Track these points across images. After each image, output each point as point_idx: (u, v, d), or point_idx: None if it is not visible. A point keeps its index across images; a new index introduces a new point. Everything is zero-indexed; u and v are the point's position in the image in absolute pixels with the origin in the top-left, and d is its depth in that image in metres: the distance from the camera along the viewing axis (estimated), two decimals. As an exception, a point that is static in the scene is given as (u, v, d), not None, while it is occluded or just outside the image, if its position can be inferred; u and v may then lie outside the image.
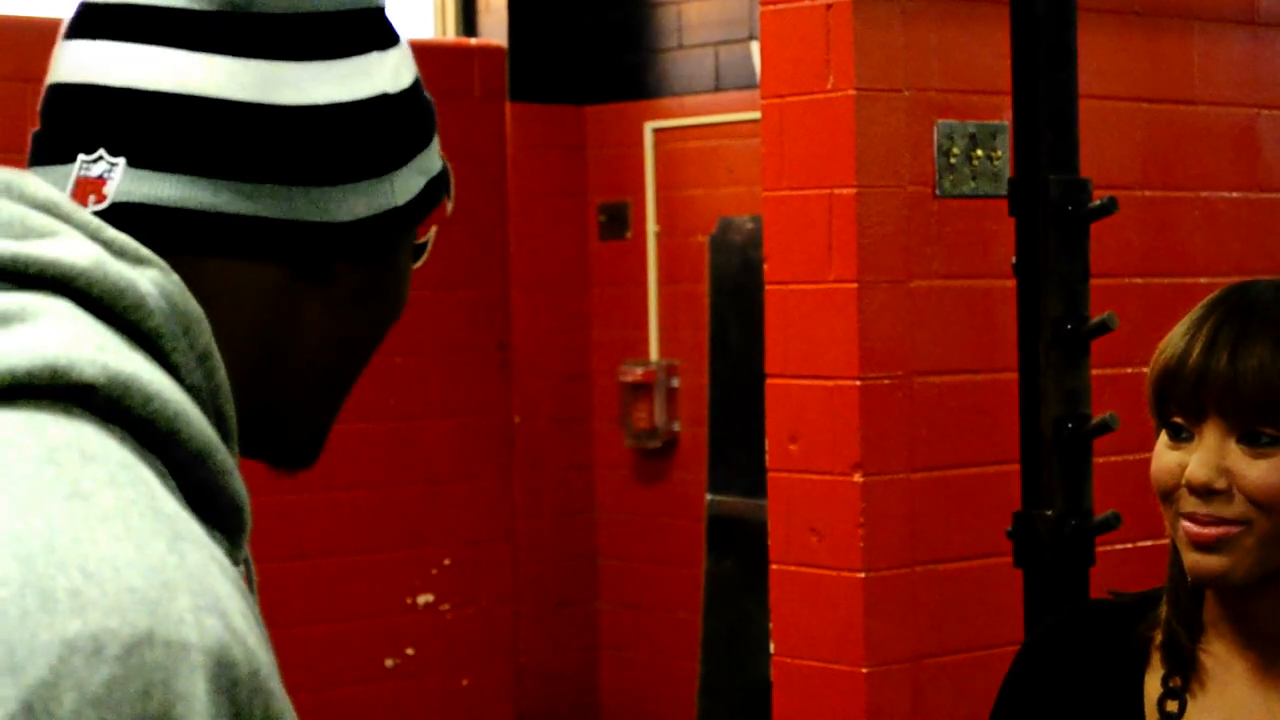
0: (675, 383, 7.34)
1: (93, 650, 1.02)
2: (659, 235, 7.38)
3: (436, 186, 1.40)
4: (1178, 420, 2.07)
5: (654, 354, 7.39)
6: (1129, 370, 3.98)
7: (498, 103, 6.35)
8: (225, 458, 1.19)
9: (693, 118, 7.23)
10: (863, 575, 3.83)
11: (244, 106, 1.29)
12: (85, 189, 1.30)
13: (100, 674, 1.02)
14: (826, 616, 3.89)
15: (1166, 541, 2.15)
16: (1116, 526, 3.20)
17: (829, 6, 3.86)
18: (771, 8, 3.97)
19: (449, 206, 1.44)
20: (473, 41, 6.62)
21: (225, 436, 1.24)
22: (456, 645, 6.16)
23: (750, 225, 6.69)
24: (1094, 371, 3.26)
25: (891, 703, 3.85)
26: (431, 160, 1.39)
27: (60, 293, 1.17)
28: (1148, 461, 2.13)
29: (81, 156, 1.30)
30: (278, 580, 5.86)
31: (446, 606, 6.15)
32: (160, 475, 1.15)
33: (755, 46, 6.42)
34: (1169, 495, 2.08)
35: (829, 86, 3.87)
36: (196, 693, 1.04)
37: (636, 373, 7.34)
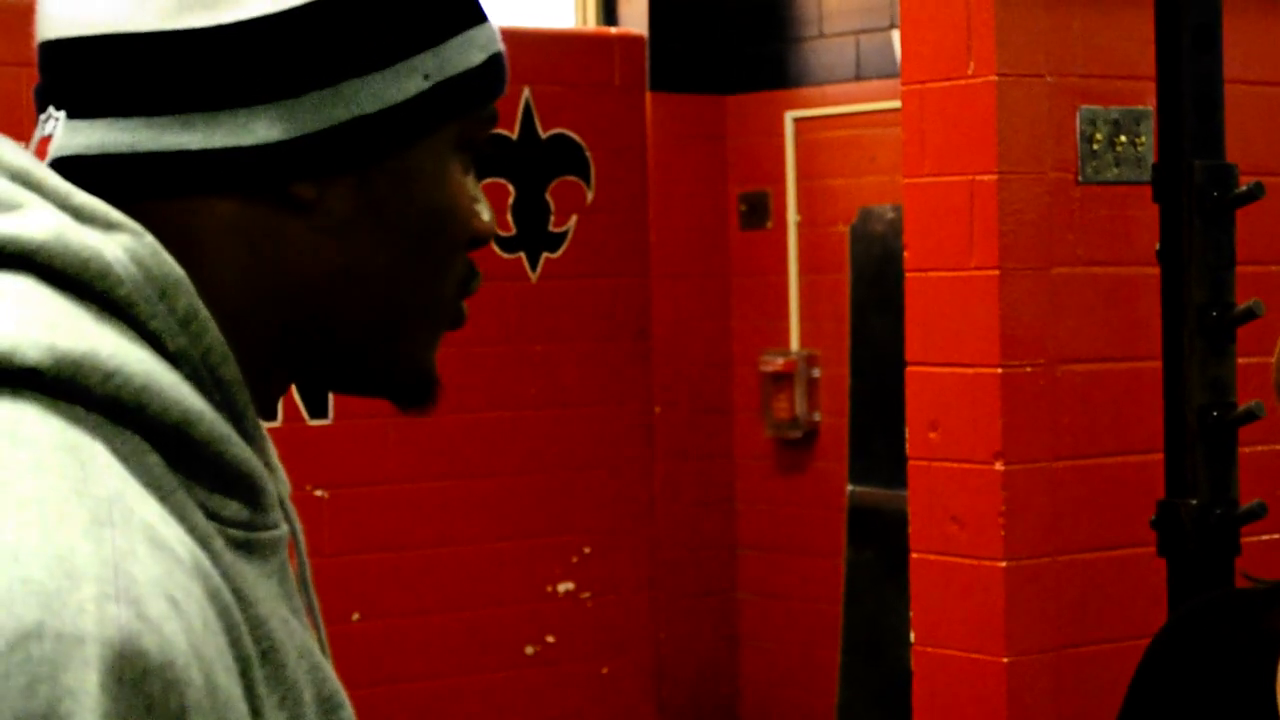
0: (816, 373, 7.32)
1: None
2: (800, 225, 7.36)
3: (460, 85, 1.28)
4: None
5: (794, 344, 7.37)
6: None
7: (638, 92, 6.35)
8: (213, 426, 1.15)
9: (834, 107, 7.20)
10: (1004, 564, 3.81)
11: (155, 36, 1.21)
12: (42, 148, 1.24)
13: None
14: (967, 606, 3.86)
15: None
16: (1263, 516, 3.16)
17: (970, -8, 3.84)
18: (912, -7, 3.95)
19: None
20: (613, 31, 6.63)
21: (226, 400, 1.19)
22: (596, 633, 6.18)
23: (891, 215, 6.66)
24: (1240, 359, 3.22)
25: (1032, 693, 3.82)
26: (447, 60, 1.27)
27: (23, 268, 1.14)
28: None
29: (41, 115, 1.26)
30: (419, 568, 5.90)
31: (586, 595, 6.16)
32: (133, 452, 1.11)
33: (896, 35, 6.39)
34: None
35: (970, 72, 3.85)
36: (86, 687, 1.00)
37: (777, 363, 7.33)
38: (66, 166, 1.22)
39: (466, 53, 1.28)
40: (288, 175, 1.22)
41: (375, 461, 5.80)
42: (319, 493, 5.71)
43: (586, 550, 6.17)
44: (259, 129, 1.21)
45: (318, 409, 5.69)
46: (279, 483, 1.30)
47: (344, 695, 1.25)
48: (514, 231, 5.97)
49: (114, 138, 1.21)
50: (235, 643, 1.11)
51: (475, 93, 1.28)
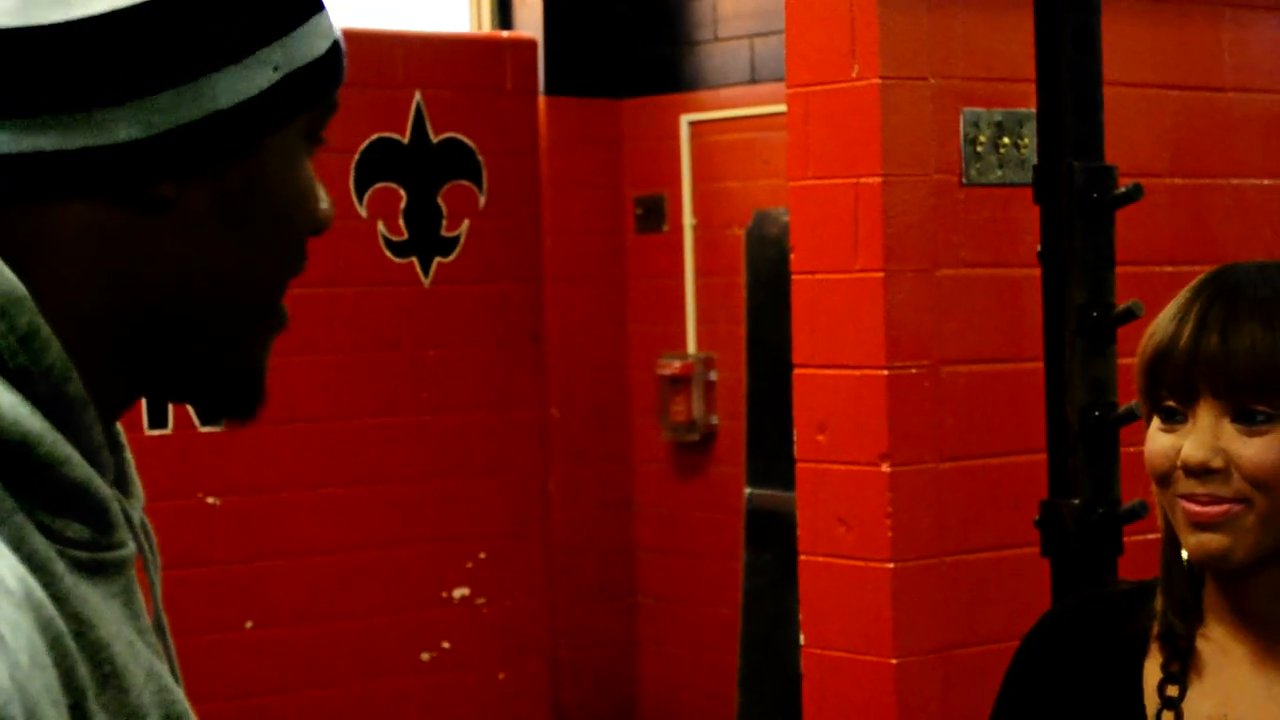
0: (713, 376, 7.32)
1: None
2: (695, 228, 7.36)
3: (308, 75, 1.26)
4: (1170, 403, 2.07)
5: (691, 347, 7.37)
6: (1158, 358, 3.96)
7: (530, 96, 6.34)
8: (54, 447, 1.14)
9: (728, 110, 7.20)
10: (891, 565, 3.82)
11: (6, 34, 1.17)
12: None
13: None
14: (855, 607, 3.87)
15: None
16: (1144, 515, 3.18)
17: (854, -5, 3.85)
18: (797, -3, 3.96)
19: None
20: (504, 35, 6.62)
21: (69, 418, 1.17)
22: (491, 639, 6.16)
23: (786, 218, 6.66)
24: (1121, 360, 3.24)
25: (920, 693, 3.84)
26: (293, 51, 1.25)
27: None
28: (1177, 450, 2.10)
29: None
30: (312, 575, 5.87)
31: (481, 600, 6.15)
32: None
33: (789, 38, 6.39)
34: (1165, 479, 2.08)
35: (854, 75, 3.85)
36: None
37: (674, 366, 7.33)
38: None
39: (311, 42, 1.26)
40: (148, 175, 1.20)
41: (268, 468, 5.76)
42: (211, 500, 5.67)
43: (481, 555, 6.15)
44: (118, 129, 1.18)
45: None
46: (133, 497, 1.28)
47: (193, 717, 1.23)
48: (406, 236, 5.95)
49: None
50: (68, 675, 1.09)
51: (322, 82, 1.27)
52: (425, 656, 6.06)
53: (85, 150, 1.18)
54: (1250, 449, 2.03)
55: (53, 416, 1.16)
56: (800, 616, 3.99)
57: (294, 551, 5.82)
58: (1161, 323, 2.10)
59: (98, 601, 1.16)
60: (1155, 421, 2.10)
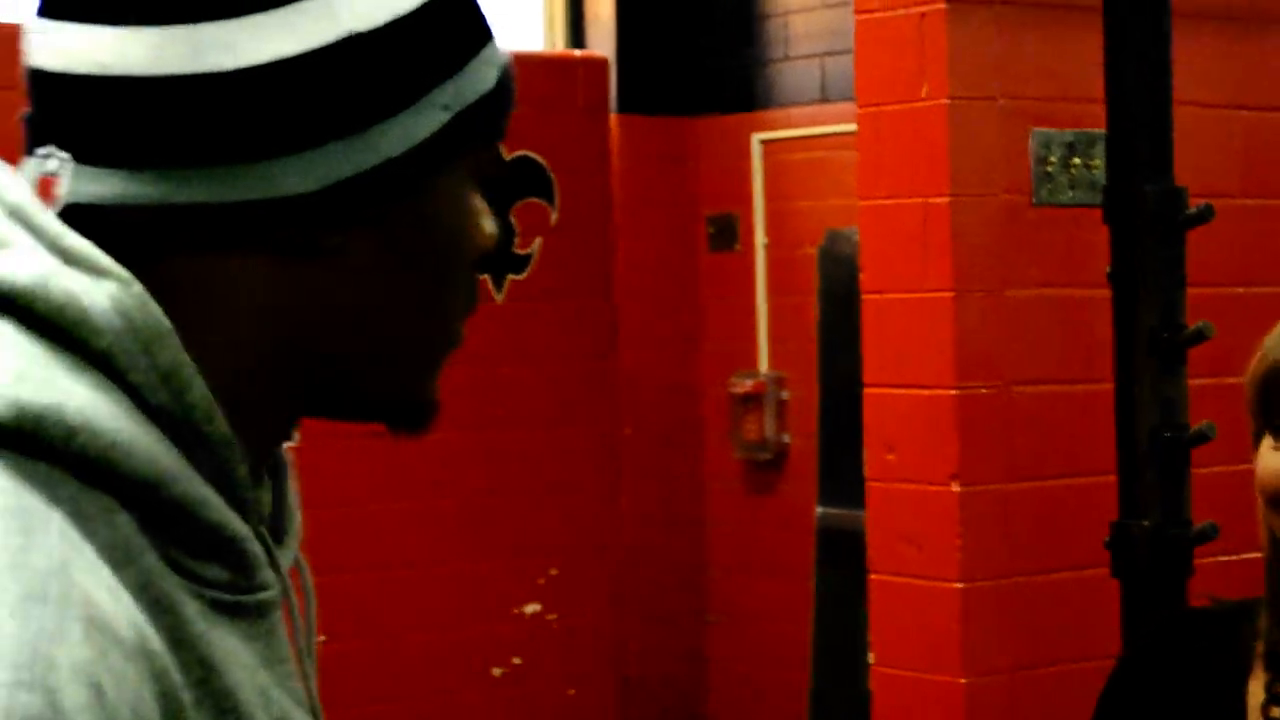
0: (785, 395, 7.32)
1: None
2: (767, 247, 7.36)
3: (478, 110, 1.20)
4: None
5: (763, 366, 7.37)
6: (1228, 380, 3.94)
7: (601, 114, 6.36)
8: (189, 487, 1.09)
9: (800, 129, 7.20)
10: (960, 586, 3.82)
11: (171, 81, 1.13)
12: (44, 187, 1.15)
13: None
14: (924, 627, 3.87)
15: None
16: (1214, 537, 3.17)
17: (923, 15, 3.85)
18: (866, 17, 3.96)
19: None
20: (576, 53, 6.64)
21: (210, 458, 1.12)
22: (562, 655, 6.18)
23: (858, 237, 6.66)
24: (1192, 381, 3.23)
25: (989, 713, 3.83)
26: (464, 87, 1.19)
27: (6, 311, 1.09)
28: (1247, 472, 2.08)
29: (39, 150, 1.16)
30: (385, 590, 5.89)
31: (553, 616, 6.16)
32: (100, 512, 1.06)
33: (861, 57, 6.38)
34: (1277, 500, 2.03)
35: (923, 95, 3.86)
36: None
37: (746, 384, 7.33)
38: (82, 214, 1.13)
39: (481, 74, 1.21)
40: (316, 226, 1.15)
41: (341, 484, 5.79)
42: (284, 516, 5.70)
43: (553, 572, 6.16)
44: (285, 181, 1.13)
45: (282, 432, 5.68)
46: (289, 535, 1.24)
47: None
48: (479, 254, 5.97)
49: (135, 190, 1.13)
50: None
51: (492, 115, 1.22)
52: (496, 672, 6.08)
53: (250, 204, 1.13)
54: None
55: (192, 456, 1.11)
56: (870, 635, 3.99)
57: (366, 565, 5.85)
58: (1277, 341, 2.06)
59: (233, 645, 1.13)
60: (1268, 440, 2.05)
